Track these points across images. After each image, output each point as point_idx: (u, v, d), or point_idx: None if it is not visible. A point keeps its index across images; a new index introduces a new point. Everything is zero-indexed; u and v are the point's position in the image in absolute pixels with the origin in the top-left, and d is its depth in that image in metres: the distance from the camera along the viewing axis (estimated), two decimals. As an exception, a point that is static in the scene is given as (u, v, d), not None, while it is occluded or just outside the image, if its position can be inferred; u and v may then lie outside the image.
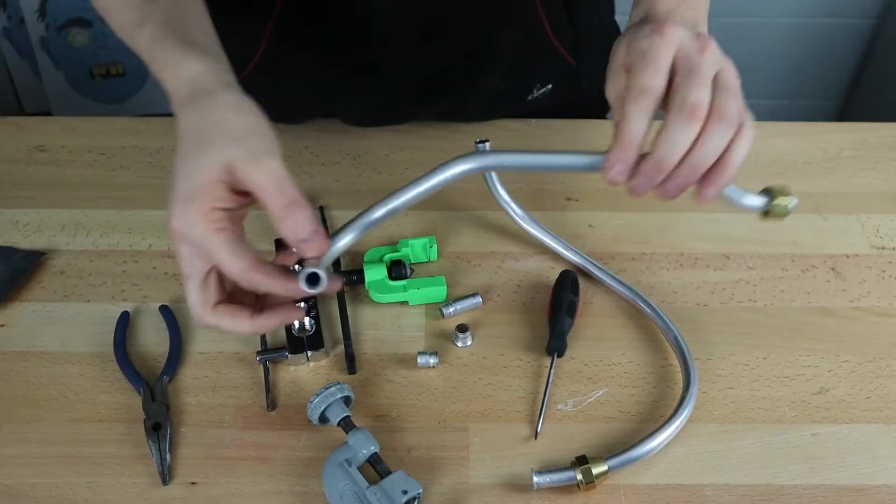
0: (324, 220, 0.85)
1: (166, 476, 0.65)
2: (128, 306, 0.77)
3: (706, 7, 0.68)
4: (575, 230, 0.85)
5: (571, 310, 0.75)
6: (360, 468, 0.63)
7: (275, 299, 0.62)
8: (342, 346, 0.74)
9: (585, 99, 0.97)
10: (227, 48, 0.65)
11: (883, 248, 0.84)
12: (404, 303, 0.78)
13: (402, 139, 0.95)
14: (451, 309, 0.77)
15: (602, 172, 0.60)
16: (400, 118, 0.96)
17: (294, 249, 0.58)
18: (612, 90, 0.64)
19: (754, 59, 1.97)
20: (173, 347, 0.73)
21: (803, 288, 0.80)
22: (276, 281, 0.57)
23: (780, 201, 0.65)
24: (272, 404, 0.70)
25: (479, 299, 0.78)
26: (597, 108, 0.97)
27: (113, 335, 0.74)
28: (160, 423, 0.68)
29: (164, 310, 0.76)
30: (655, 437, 0.66)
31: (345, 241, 0.60)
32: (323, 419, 0.67)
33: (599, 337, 0.76)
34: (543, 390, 0.71)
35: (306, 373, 0.73)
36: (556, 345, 0.73)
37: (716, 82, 0.59)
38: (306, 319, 0.74)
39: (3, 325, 0.76)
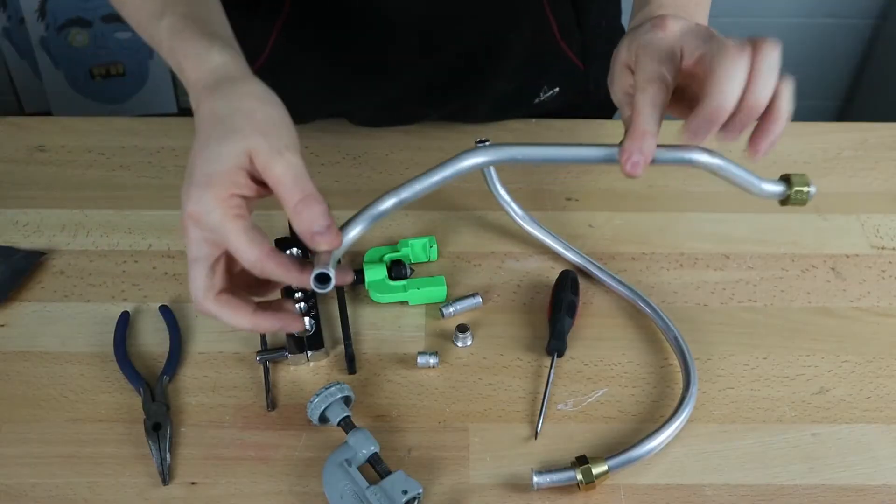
0: (324, 220, 0.85)
1: (166, 476, 0.65)
2: (128, 306, 0.77)
3: (705, 15, 0.68)
4: (575, 230, 0.85)
5: (571, 310, 0.75)
6: (360, 468, 0.63)
7: (277, 305, 0.61)
8: (342, 346, 0.74)
9: (592, 102, 0.97)
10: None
11: (883, 248, 0.84)
12: (404, 303, 0.78)
13: (402, 139, 0.95)
14: (451, 309, 0.77)
15: (620, 164, 0.59)
16: (407, 119, 0.96)
17: (308, 244, 0.58)
18: (617, 90, 0.63)
19: (754, 59, 1.97)
20: (173, 347, 0.73)
21: (803, 288, 0.80)
22: (289, 272, 0.57)
23: (801, 189, 0.63)
24: (272, 404, 0.70)
25: (479, 299, 0.78)
26: (604, 111, 0.97)
27: (113, 335, 0.74)
28: (160, 423, 0.68)
29: (164, 310, 0.76)
30: (655, 437, 0.66)
31: (354, 233, 0.59)
32: (323, 419, 0.67)
33: (599, 337, 0.76)
34: (543, 390, 0.71)
35: (306, 373, 0.73)
36: (556, 345, 0.73)
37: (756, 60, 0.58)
38: (306, 319, 0.74)
39: (3, 325, 0.76)
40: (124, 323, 0.75)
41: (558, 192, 0.89)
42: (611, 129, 0.97)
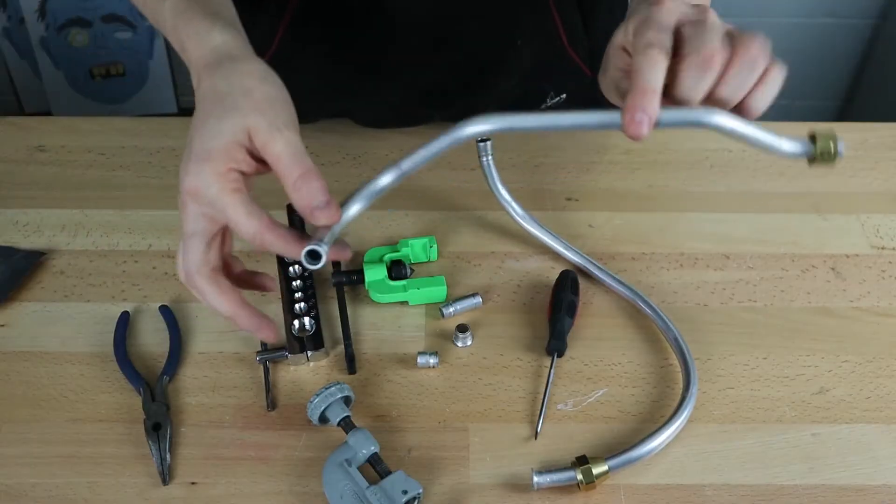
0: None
1: (166, 476, 0.65)
2: (128, 306, 0.77)
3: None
4: (575, 230, 0.85)
5: (571, 310, 0.75)
6: (360, 468, 0.63)
7: (254, 311, 0.61)
8: (342, 346, 0.74)
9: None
10: None
11: (883, 248, 0.84)
12: (404, 303, 0.78)
13: (402, 140, 0.95)
14: (451, 309, 0.77)
15: (622, 128, 0.55)
16: (411, 120, 0.96)
17: (306, 219, 0.58)
18: (611, 70, 0.62)
19: (754, 59, 1.97)
20: (173, 347, 0.73)
21: (803, 288, 0.80)
22: (288, 243, 0.57)
23: (827, 146, 0.58)
24: (272, 404, 0.70)
25: (479, 299, 0.78)
26: None
27: (113, 335, 0.74)
28: (160, 423, 0.68)
29: (164, 310, 0.76)
30: (656, 438, 0.66)
31: (353, 209, 0.59)
32: (323, 419, 0.67)
33: (599, 337, 0.76)
34: (543, 390, 0.71)
35: (306, 373, 0.73)
36: (556, 345, 0.73)
37: (729, 35, 0.57)
38: (306, 319, 0.74)
39: (3, 325, 0.76)
40: (124, 323, 0.75)
41: (558, 192, 0.89)
42: (616, 139, 0.96)
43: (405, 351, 0.75)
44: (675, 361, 0.74)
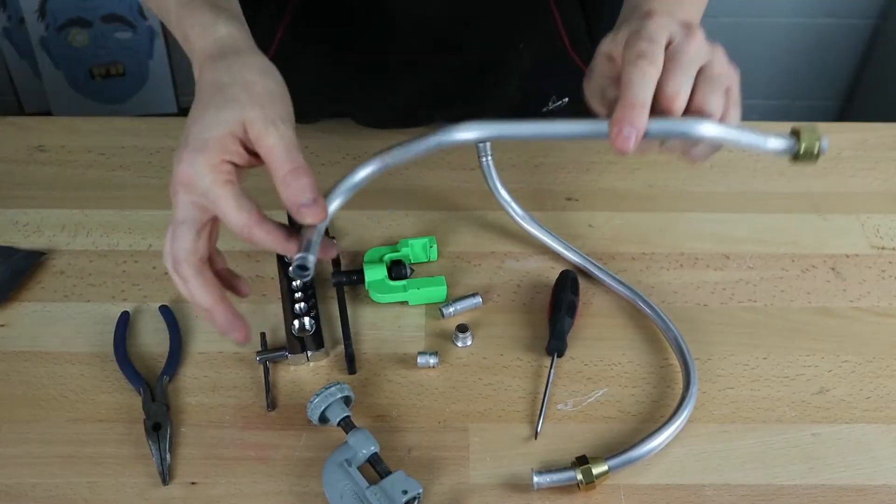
0: (324, 220, 0.85)
1: (166, 476, 0.65)
2: (128, 306, 0.77)
3: (696, 14, 0.67)
4: (575, 230, 0.85)
5: (571, 310, 0.75)
6: (360, 468, 0.63)
7: (232, 309, 0.61)
8: (342, 346, 0.74)
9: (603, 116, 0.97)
10: None
11: (883, 248, 0.84)
12: (404, 303, 0.78)
13: (402, 140, 0.95)
14: (451, 309, 0.77)
15: (610, 140, 0.55)
16: (412, 122, 0.96)
17: (294, 216, 0.58)
18: (596, 78, 0.62)
19: (754, 59, 1.98)
20: (173, 347, 0.73)
21: (803, 288, 0.80)
22: (276, 239, 0.57)
23: (811, 141, 0.58)
24: (272, 404, 0.70)
25: (479, 299, 0.78)
26: None
27: (113, 335, 0.74)
28: (160, 423, 0.68)
29: (164, 310, 0.76)
30: (655, 438, 0.66)
31: (335, 205, 0.59)
32: (323, 419, 0.67)
33: (599, 337, 0.76)
34: (543, 390, 0.71)
35: (306, 373, 0.73)
36: (556, 345, 0.73)
37: (701, 73, 0.57)
38: (306, 319, 0.74)
39: (3, 325, 0.76)
40: (124, 323, 0.75)
41: (558, 192, 0.89)
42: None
43: (405, 351, 0.75)
44: (675, 361, 0.74)
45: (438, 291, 0.78)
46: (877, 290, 0.80)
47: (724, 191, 0.90)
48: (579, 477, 0.64)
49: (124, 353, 0.73)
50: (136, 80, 2.03)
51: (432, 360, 0.73)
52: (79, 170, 0.91)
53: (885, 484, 0.66)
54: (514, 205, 0.82)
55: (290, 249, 0.57)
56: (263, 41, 0.90)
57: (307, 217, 0.57)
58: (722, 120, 0.58)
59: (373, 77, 0.92)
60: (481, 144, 0.79)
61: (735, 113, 0.59)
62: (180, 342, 0.74)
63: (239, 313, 0.61)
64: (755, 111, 2.08)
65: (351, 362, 0.73)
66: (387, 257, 0.80)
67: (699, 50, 0.57)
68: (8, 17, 1.94)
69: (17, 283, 0.78)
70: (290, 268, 0.56)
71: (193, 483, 0.65)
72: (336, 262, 0.81)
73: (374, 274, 0.78)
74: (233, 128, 0.56)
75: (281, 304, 0.77)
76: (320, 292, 0.79)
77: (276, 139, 0.56)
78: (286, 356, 0.73)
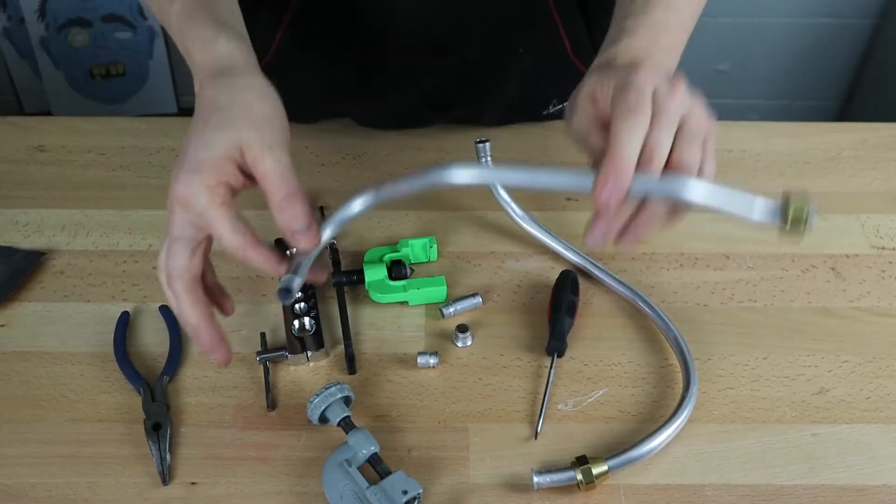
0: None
1: (166, 476, 0.65)
2: (128, 306, 0.77)
3: (676, 57, 0.67)
4: (575, 230, 0.85)
5: (571, 310, 0.75)
6: (360, 468, 0.63)
7: (218, 330, 0.61)
8: (342, 346, 0.74)
9: None
10: None
11: (883, 248, 0.84)
12: (404, 303, 0.78)
13: (402, 140, 0.95)
14: (451, 309, 0.77)
15: (593, 194, 0.55)
16: (412, 123, 0.96)
17: (288, 241, 0.59)
18: (580, 120, 0.61)
19: (754, 59, 1.98)
20: (173, 347, 0.73)
21: (803, 288, 0.80)
22: (268, 262, 0.58)
23: (799, 215, 0.56)
24: (272, 404, 0.70)
25: (479, 299, 0.78)
26: None
27: (113, 335, 0.74)
28: (160, 423, 0.68)
29: (164, 310, 0.76)
30: (655, 438, 0.66)
31: (326, 234, 0.60)
32: (323, 419, 0.67)
33: (599, 337, 0.76)
34: (543, 390, 0.71)
35: (306, 373, 0.73)
36: (556, 345, 0.73)
37: (682, 127, 0.57)
38: (306, 319, 0.74)
39: (3, 325, 0.76)
40: (124, 323, 0.75)
41: (558, 193, 0.89)
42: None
43: (405, 351, 0.75)
44: (675, 361, 0.74)
45: (438, 291, 0.78)
46: (877, 290, 0.80)
47: (724, 191, 0.90)
48: (579, 477, 0.64)
49: (124, 353, 0.73)
50: (136, 80, 2.03)
51: (432, 360, 0.73)
52: (79, 170, 0.91)
53: (885, 484, 0.66)
54: (513, 205, 0.82)
55: (280, 272, 0.58)
56: (263, 42, 0.90)
57: (300, 243, 0.58)
58: (699, 171, 0.58)
59: (373, 79, 0.92)
60: (480, 145, 0.79)
61: (711, 165, 0.59)
62: (180, 342, 0.74)
63: (224, 336, 0.62)
64: (755, 111, 2.08)
65: (351, 362, 0.73)
66: (387, 257, 0.80)
67: (682, 103, 0.57)
68: (8, 17, 1.94)
69: (17, 283, 0.78)
70: (277, 289, 0.57)
71: (193, 483, 0.65)
72: (336, 263, 0.81)
73: (374, 274, 0.78)
74: (229, 151, 0.56)
75: (281, 304, 0.77)
76: (320, 292, 0.79)
77: (273, 164, 0.56)
78: (286, 356, 0.73)
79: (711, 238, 0.85)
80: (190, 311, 0.59)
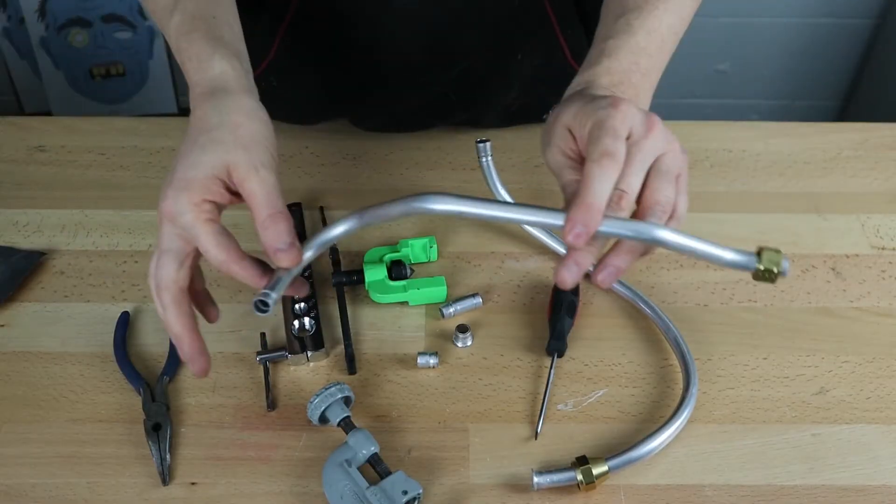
0: (323, 221, 0.85)
1: (166, 476, 0.65)
2: (128, 306, 0.77)
3: (651, 89, 0.67)
4: (575, 230, 0.85)
5: (571, 310, 0.75)
6: (360, 468, 0.63)
7: (200, 342, 0.62)
8: (342, 347, 0.74)
9: None
10: None
11: (883, 248, 0.84)
12: (404, 303, 0.78)
13: (401, 140, 0.95)
14: (451, 309, 0.77)
15: (562, 234, 0.56)
16: (413, 128, 0.96)
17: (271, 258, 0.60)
18: (555, 151, 0.62)
19: (754, 59, 1.98)
20: (173, 347, 0.73)
21: (803, 288, 0.80)
22: (252, 276, 0.59)
23: (769, 263, 0.58)
24: (272, 404, 0.70)
25: (479, 299, 0.78)
26: None
27: (113, 335, 0.74)
28: (160, 423, 0.68)
29: (164, 310, 0.76)
30: (656, 438, 0.66)
31: (307, 255, 0.61)
32: (323, 419, 0.67)
33: (599, 337, 0.76)
34: (543, 390, 0.71)
35: (306, 373, 0.73)
36: (556, 345, 0.73)
37: (655, 165, 0.58)
38: (306, 319, 0.74)
39: (3, 325, 0.76)
40: (124, 323, 0.75)
41: (558, 192, 0.88)
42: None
43: (405, 351, 0.75)
44: (675, 361, 0.74)
45: (438, 291, 0.78)
46: (877, 290, 0.80)
47: (724, 191, 0.90)
48: (579, 477, 0.64)
49: (124, 353, 0.73)
50: (136, 80, 2.03)
51: (432, 361, 0.73)
52: (79, 170, 0.91)
53: (885, 484, 0.66)
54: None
55: (262, 286, 0.59)
56: (262, 47, 0.90)
57: (282, 261, 0.59)
58: (673, 209, 0.58)
59: (372, 85, 0.92)
60: (481, 145, 0.79)
61: (683, 200, 0.60)
62: (180, 342, 0.74)
63: (205, 349, 0.62)
64: (755, 111, 2.08)
65: (351, 362, 0.73)
66: (387, 257, 0.80)
67: (655, 144, 0.58)
68: (8, 17, 1.94)
69: (17, 283, 0.78)
70: (253, 300, 0.58)
71: (193, 483, 0.65)
72: (336, 263, 0.81)
73: (374, 274, 0.78)
74: (217, 170, 0.58)
75: (281, 304, 0.77)
76: (320, 292, 0.79)
77: (258, 184, 0.58)
78: (286, 356, 0.73)
79: (711, 238, 0.84)
80: (174, 322, 0.61)
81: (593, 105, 0.59)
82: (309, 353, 0.73)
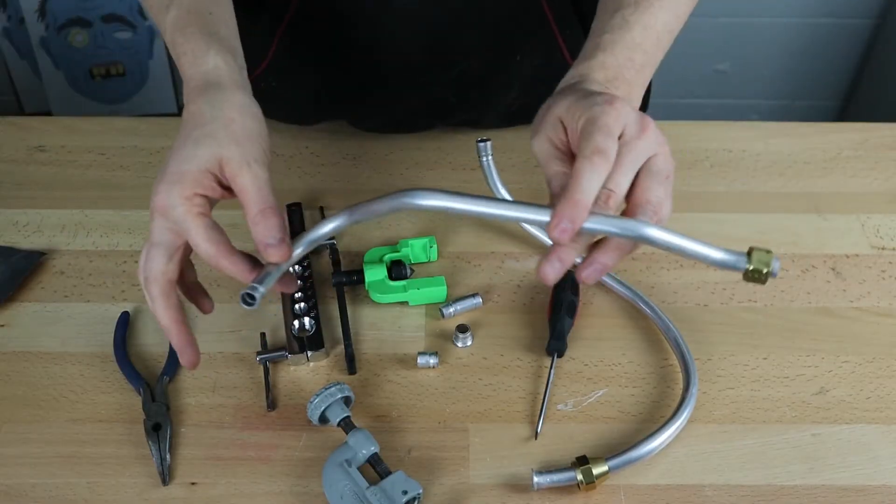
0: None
1: (166, 476, 0.65)
2: (128, 306, 0.77)
3: (643, 86, 0.67)
4: (575, 230, 0.85)
5: (571, 310, 0.75)
6: (360, 468, 0.63)
7: (188, 334, 0.63)
8: (342, 346, 0.74)
9: None
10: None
11: (883, 248, 0.84)
12: (404, 303, 0.78)
13: (401, 140, 0.95)
14: (451, 309, 0.77)
15: (548, 229, 0.56)
16: (412, 129, 0.96)
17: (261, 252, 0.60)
18: (543, 141, 0.62)
19: (754, 59, 1.98)
20: (173, 347, 0.73)
21: (803, 288, 0.80)
22: (241, 270, 0.60)
23: (761, 263, 0.57)
24: (272, 404, 0.70)
25: (479, 299, 0.78)
26: None
27: (113, 335, 0.74)
28: (160, 423, 0.68)
29: (164, 310, 0.76)
30: (656, 438, 0.66)
31: (296, 252, 0.61)
32: (323, 419, 0.67)
33: (599, 337, 0.76)
34: (543, 390, 0.71)
35: (306, 373, 0.73)
36: (556, 345, 0.73)
37: (646, 166, 0.58)
38: (306, 319, 0.74)
39: (3, 325, 0.76)
40: (124, 323, 0.75)
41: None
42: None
43: (405, 351, 0.75)
44: (675, 361, 0.74)
45: (438, 291, 0.78)
46: (877, 290, 0.80)
47: (724, 191, 0.90)
48: (579, 477, 0.64)
49: (124, 353, 0.73)
50: (136, 80, 2.03)
51: (432, 361, 0.73)
52: (79, 170, 0.91)
53: (885, 484, 0.66)
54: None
55: (250, 280, 0.60)
56: (260, 48, 0.90)
57: (272, 256, 0.59)
58: (657, 209, 0.58)
59: (371, 86, 0.92)
60: (481, 144, 0.79)
61: (669, 203, 0.59)
62: (180, 342, 0.74)
63: (193, 341, 0.63)
64: (755, 111, 2.08)
65: (351, 362, 0.73)
66: (387, 257, 0.80)
67: (648, 146, 0.58)
68: (8, 17, 1.94)
69: (17, 283, 0.78)
70: (240, 293, 0.58)
71: (193, 483, 0.65)
72: (336, 263, 0.81)
73: (374, 274, 0.78)
74: (209, 164, 0.59)
75: (281, 304, 0.77)
76: (320, 292, 0.79)
77: (250, 179, 0.59)
78: (286, 356, 0.73)
79: (711, 238, 0.84)
80: (162, 314, 0.61)
81: (588, 101, 0.59)
82: (309, 353, 0.73)
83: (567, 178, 0.57)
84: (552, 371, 0.72)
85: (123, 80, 2.03)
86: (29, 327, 0.76)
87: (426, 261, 0.82)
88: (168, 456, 0.66)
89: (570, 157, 0.60)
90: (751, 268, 0.57)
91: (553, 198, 0.59)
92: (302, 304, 0.75)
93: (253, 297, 0.58)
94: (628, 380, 0.73)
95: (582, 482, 0.64)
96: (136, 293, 0.79)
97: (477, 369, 0.73)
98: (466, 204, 0.60)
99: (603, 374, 0.73)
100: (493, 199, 0.60)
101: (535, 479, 0.64)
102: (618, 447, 0.66)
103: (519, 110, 0.96)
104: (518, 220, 0.60)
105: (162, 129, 0.95)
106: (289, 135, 0.95)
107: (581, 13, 0.92)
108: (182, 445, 0.68)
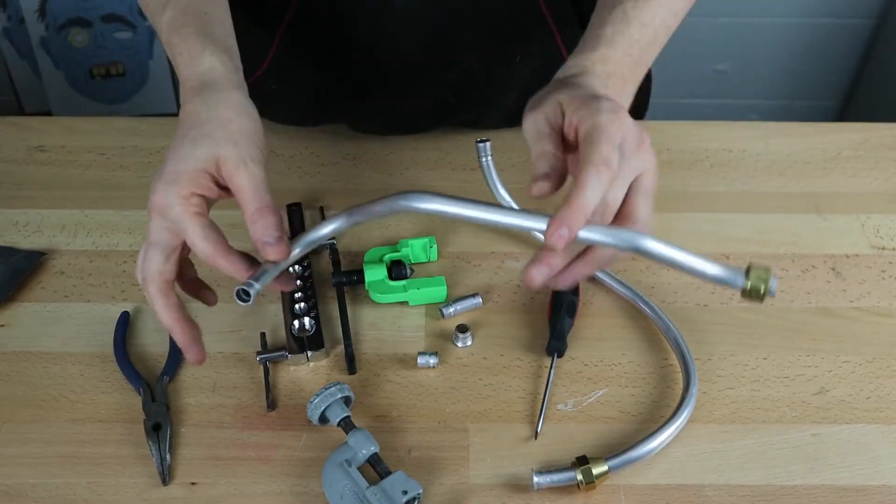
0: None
1: (166, 476, 0.65)
2: (128, 306, 0.77)
3: (637, 82, 0.68)
4: (575, 230, 0.85)
5: (571, 310, 0.75)
6: (360, 468, 0.63)
7: (191, 331, 0.63)
8: (342, 346, 0.74)
9: None
10: (239, 49, 0.68)
11: (883, 248, 0.84)
12: (404, 303, 0.78)
13: (401, 141, 0.95)
14: (451, 309, 0.77)
15: (545, 234, 0.56)
16: (412, 130, 0.96)
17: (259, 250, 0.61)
18: (540, 117, 0.62)
19: (754, 59, 1.98)
20: (173, 347, 0.73)
21: (803, 288, 0.80)
22: (238, 269, 0.60)
23: (758, 282, 0.56)
24: (272, 404, 0.70)
25: (479, 299, 0.78)
26: None
27: (113, 335, 0.74)
28: (160, 423, 0.68)
29: (164, 310, 0.76)
30: (656, 438, 0.66)
31: (294, 252, 0.61)
32: (323, 419, 0.67)
33: (599, 337, 0.76)
34: (543, 390, 0.71)
35: (306, 373, 0.73)
36: (556, 345, 0.73)
37: (637, 181, 0.59)
38: (306, 319, 0.74)
39: (3, 326, 0.76)
40: (124, 323, 0.75)
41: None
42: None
43: (405, 351, 0.75)
44: (675, 361, 0.74)
45: (438, 291, 0.78)
46: (877, 290, 0.80)
47: (724, 191, 0.90)
48: (579, 477, 0.64)
49: (124, 353, 0.73)
50: (136, 80, 2.03)
51: (432, 361, 0.73)
52: (79, 170, 0.91)
53: (885, 484, 0.66)
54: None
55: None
56: (261, 49, 0.90)
57: (270, 254, 0.60)
58: (643, 227, 0.59)
59: (371, 87, 0.92)
60: (481, 144, 0.79)
61: (651, 222, 0.60)
62: (180, 342, 0.74)
63: (198, 337, 0.64)
64: (755, 111, 2.08)
65: (351, 362, 0.73)
66: (387, 257, 0.80)
67: (642, 163, 0.59)
68: (8, 17, 1.94)
69: (17, 283, 0.78)
70: (234, 289, 0.58)
71: (193, 483, 0.65)
72: (336, 263, 0.81)
73: (374, 274, 0.78)
74: (206, 164, 0.59)
75: (281, 304, 0.77)
76: (320, 292, 0.79)
77: (247, 178, 0.59)
78: (286, 356, 0.73)
79: (711, 238, 0.85)
80: (163, 313, 0.62)
81: (595, 104, 0.59)
82: (309, 353, 0.73)
83: (555, 159, 0.59)
84: (552, 371, 0.72)
85: (123, 80, 2.03)
86: (29, 327, 0.76)
87: (426, 261, 0.82)
88: (168, 456, 0.66)
89: (562, 140, 0.61)
90: (749, 286, 0.56)
91: (535, 178, 0.59)
92: (302, 304, 0.75)
93: (248, 294, 0.58)
94: (628, 380, 0.73)
95: (582, 482, 0.64)
96: (136, 293, 0.79)
97: (477, 369, 0.74)
98: (461, 208, 0.60)
99: (603, 374, 0.73)
100: (491, 204, 0.60)
101: (535, 479, 0.64)
102: (618, 447, 0.66)
103: (519, 111, 0.95)
104: (514, 227, 0.60)
105: (162, 129, 0.95)
106: (289, 135, 0.95)
107: (580, 13, 0.92)
108: (182, 445, 0.68)
